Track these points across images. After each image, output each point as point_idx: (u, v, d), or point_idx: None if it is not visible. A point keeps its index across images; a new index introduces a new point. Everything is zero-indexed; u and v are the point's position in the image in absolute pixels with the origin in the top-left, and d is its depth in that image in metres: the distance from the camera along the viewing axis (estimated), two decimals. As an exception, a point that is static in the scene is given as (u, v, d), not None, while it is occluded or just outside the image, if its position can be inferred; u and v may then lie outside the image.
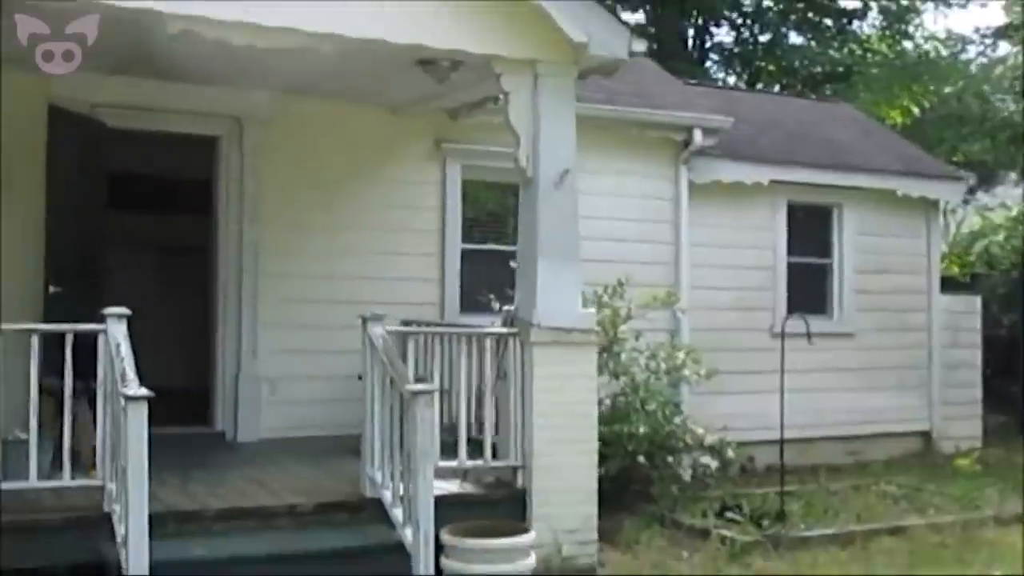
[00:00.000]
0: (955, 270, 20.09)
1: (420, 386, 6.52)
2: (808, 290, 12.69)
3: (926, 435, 13.13)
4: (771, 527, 8.79)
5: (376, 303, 7.92)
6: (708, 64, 23.62)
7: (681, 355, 9.80)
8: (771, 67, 22.92)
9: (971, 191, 20.25)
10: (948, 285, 14.15)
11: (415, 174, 10.24)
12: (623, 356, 9.62)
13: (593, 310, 8.01)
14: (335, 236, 9.83)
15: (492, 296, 9.32)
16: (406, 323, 8.99)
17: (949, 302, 13.31)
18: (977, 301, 13.61)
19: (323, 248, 9.78)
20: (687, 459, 10.65)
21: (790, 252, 12.29)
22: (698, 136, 11.13)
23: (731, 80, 23.57)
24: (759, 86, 22.39)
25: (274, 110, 9.51)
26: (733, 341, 11.82)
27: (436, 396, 6.73)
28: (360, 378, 7.37)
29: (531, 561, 6.71)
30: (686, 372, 9.85)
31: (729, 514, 9.18)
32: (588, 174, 10.86)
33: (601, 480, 8.90)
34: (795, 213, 12.36)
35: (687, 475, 10.21)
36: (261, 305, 9.57)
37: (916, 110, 20.37)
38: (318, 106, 9.66)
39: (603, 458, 8.88)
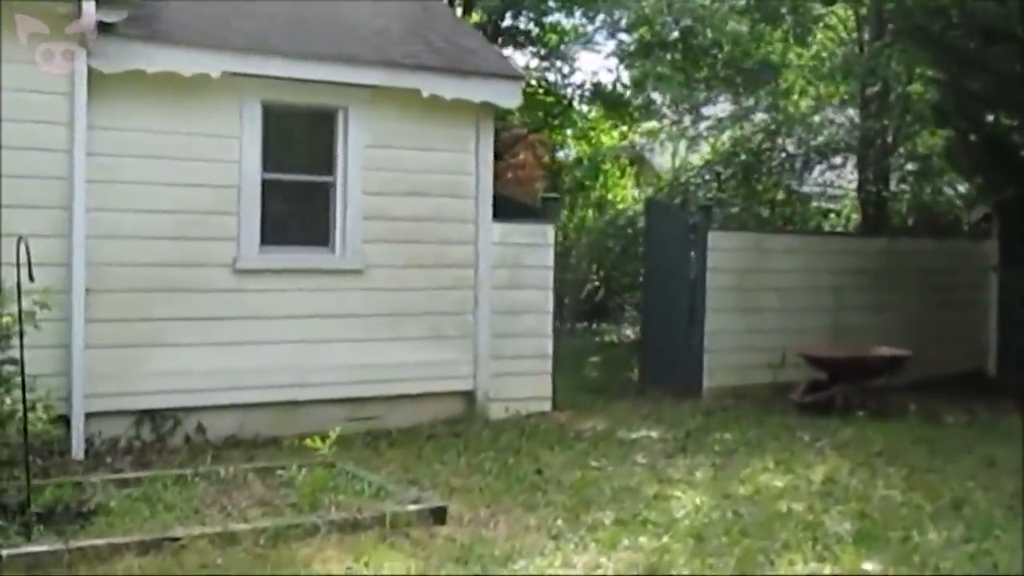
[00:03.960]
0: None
1: None
2: (302, 216, 10.12)
3: (471, 396, 10.66)
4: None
5: None
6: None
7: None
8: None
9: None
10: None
11: None
12: None
13: None
14: None
15: None
16: None
17: (505, 232, 10.77)
18: (548, 231, 11.08)
19: None
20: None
21: (268, 167, 9.66)
22: (89, 8, 8.38)
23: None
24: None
25: None
26: (176, 279, 9.23)
27: None
28: None
29: None
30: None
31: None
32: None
33: None
34: (277, 116, 9.73)
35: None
36: None
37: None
38: None
39: None
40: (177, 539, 6.32)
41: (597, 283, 20.17)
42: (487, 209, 10.60)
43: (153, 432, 9.21)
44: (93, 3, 8.41)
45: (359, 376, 9.99)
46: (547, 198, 11.45)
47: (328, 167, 10.00)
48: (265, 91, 9.53)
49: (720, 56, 16.59)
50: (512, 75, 10.64)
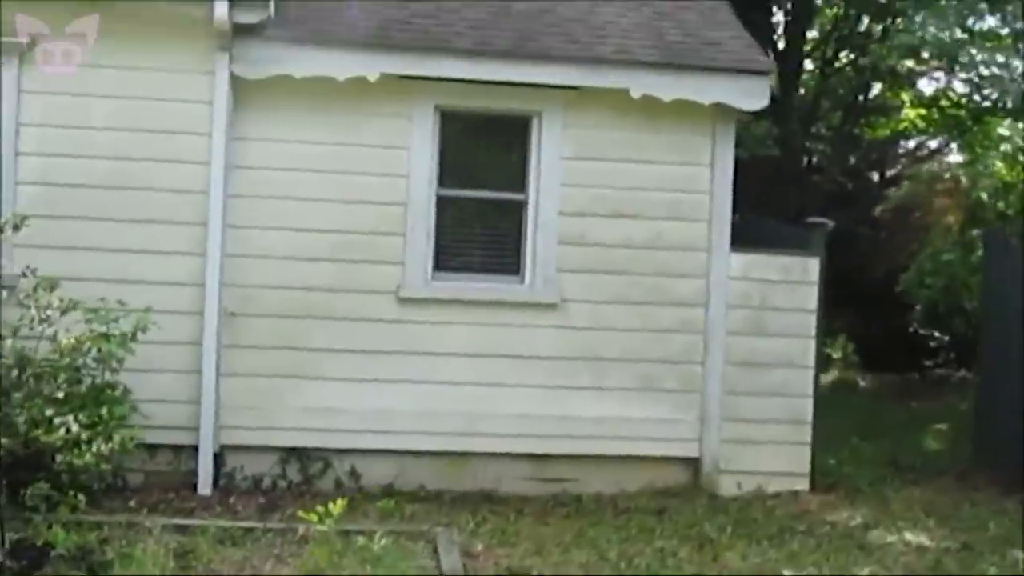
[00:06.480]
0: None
1: None
2: (484, 239, 8.74)
3: (695, 464, 8.65)
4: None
5: None
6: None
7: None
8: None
9: None
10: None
11: None
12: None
13: None
14: None
15: None
16: None
17: (749, 265, 8.65)
18: (811, 265, 8.76)
19: None
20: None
21: (445, 182, 8.39)
22: (220, 8, 7.63)
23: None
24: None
25: None
26: (329, 306, 8.24)
27: None
28: None
29: None
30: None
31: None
32: (80, 69, 7.90)
33: None
34: (456, 124, 8.46)
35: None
36: None
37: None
38: None
39: None
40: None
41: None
42: (723, 235, 8.58)
43: (300, 473, 8.25)
44: (226, 3, 7.66)
45: (546, 429, 8.41)
46: (814, 223, 9.09)
47: (519, 182, 8.54)
48: (439, 94, 8.29)
49: None
50: (754, 70, 8.49)
